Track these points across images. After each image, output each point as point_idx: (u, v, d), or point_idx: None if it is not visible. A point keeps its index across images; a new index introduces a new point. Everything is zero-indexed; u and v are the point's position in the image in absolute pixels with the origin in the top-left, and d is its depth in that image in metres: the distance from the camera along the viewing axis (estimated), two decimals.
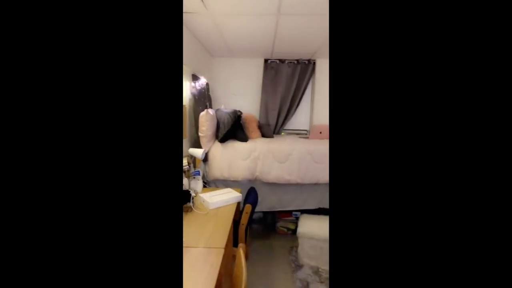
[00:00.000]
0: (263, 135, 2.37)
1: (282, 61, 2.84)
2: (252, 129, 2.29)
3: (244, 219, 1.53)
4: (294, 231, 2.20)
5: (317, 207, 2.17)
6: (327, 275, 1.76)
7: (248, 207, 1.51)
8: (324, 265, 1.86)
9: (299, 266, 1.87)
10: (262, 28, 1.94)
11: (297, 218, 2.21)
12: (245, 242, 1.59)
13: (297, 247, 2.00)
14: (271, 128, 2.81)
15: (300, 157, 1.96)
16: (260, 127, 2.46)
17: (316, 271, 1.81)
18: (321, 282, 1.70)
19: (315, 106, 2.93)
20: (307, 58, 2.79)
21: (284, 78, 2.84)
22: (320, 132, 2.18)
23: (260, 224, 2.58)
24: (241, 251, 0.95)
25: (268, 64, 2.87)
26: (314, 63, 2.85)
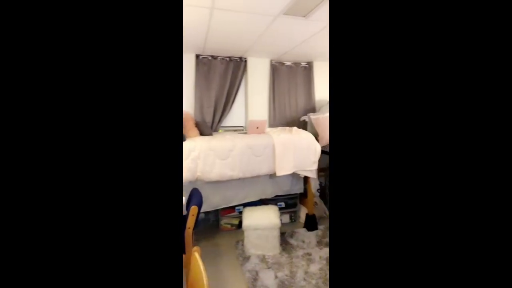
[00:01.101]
0: (201, 133, 2.29)
1: (214, 57, 2.80)
2: (189, 127, 2.17)
3: (191, 222, 1.45)
4: (239, 226, 2.25)
5: (258, 198, 2.28)
6: (273, 260, 1.89)
7: (194, 209, 1.44)
8: (269, 251, 1.98)
9: (247, 258, 1.93)
10: (194, 21, 1.86)
11: (240, 213, 2.26)
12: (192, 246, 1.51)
13: (242, 240, 2.05)
14: (208, 125, 2.75)
15: (241, 152, 2.01)
16: (197, 125, 2.36)
17: (263, 259, 1.91)
18: (268, 268, 1.81)
19: (249, 103, 3.03)
20: (239, 55, 2.85)
21: (218, 75, 2.81)
22: (257, 127, 2.29)
23: (203, 224, 2.50)
24: (196, 255, 0.90)
25: (200, 60, 2.77)
26: (246, 61, 2.94)
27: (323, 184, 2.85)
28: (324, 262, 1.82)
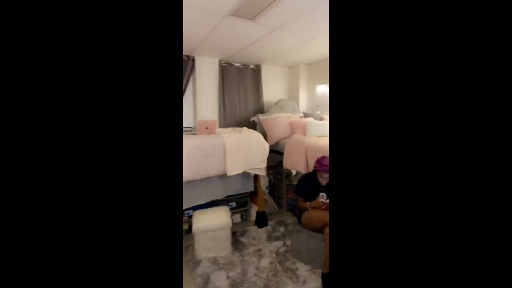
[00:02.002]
0: None
1: None
2: None
3: None
4: (189, 230, 2.15)
5: (209, 200, 2.23)
6: (225, 261, 1.88)
7: None
8: (221, 252, 1.96)
9: (197, 263, 1.87)
10: None
11: (190, 217, 2.17)
12: None
13: (192, 245, 1.97)
14: None
15: (190, 153, 1.93)
16: None
17: (214, 261, 1.88)
18: (220, 269, 1.79)
19: (198, 103, 2.95)
20: (186, 54, 2.74)
21: None
22: (207, 128, 2.24)
23: None
24: None
25: None
26: (194, 60, 2.85)
27: (272, 181, 2.98)
28: (274, 255, 1.90)
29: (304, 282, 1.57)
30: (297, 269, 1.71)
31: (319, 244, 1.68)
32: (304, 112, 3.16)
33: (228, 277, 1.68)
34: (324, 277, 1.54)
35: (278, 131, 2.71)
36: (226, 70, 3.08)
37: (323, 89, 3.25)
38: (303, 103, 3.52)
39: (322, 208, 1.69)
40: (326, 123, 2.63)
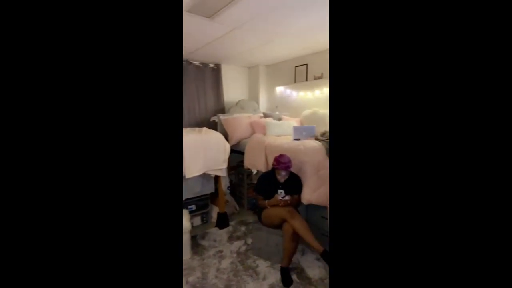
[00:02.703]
0: None
1: None
2: None
3: None
4: None
5: None
6: (184, 266, 1.80)
7: None
8: None
9: None
10: None
11: None
12: None
13: None
14: None
15: None
16: None
17: None
18: None
19: None
20: None
21: None
22: None
23: None
24: None
25: None
26: None
27: (233, 181, 2.97)
28: (235, 255, 1.90)
29: (264, 278, 1.60)
30: (257, 266, 1.74)
31: (278, 240, 1.73)
32: (264, 112, 3.23)
33: (187, 282, 1.62)
34: (282, 270, 1.60)
35: (239, 131, 2.71)
36: (184, 68, 2.96)
37: (282, 90, 3.38)
38: (263, 104, 3.60)
39: (280, 205, 1.75)
40: (285, 123, 2.74)
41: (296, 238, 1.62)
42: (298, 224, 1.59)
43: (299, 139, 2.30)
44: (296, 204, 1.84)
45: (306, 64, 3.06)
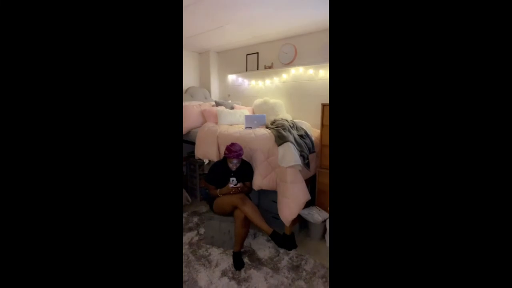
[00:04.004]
0: None
1: None
2: None
3: None
4: None
5: None
6: None
7: None
8: None
9: None
10: None
11: None
12: None
13: None
14: None
15: None
16: None
17: None
18: None
19: None
20: None
21: None
22: None
23: None
24: None
25: None
26: None
27: (185, 173, 2.87)
28: (187, 246, 1.87)
29: (216, 265, 1.63)
30: (210, 254, 1.75)
31: (230, 227, 1.77)
32: (216, 101, 3.16)
33: None
34: (235, 255, 1.65)
35: (189, 120, 2.60)
36: None
37: (234, 79, 3.34)
38: (215, 92, 3.51)
39: (232, 192, 1.78)
40: (237, 111, 2.74)
41: (247, 223, 1.68)
42: (249, 209, 1.65)
43: (250, 127, 2.34)
44: (247, 190, 1.89)
45: (257, 53, 3.08)
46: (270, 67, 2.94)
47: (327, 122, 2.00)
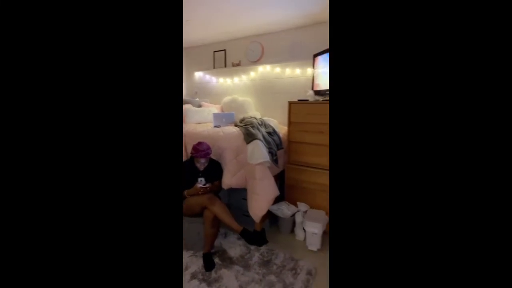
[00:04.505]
0: None
1: None
2: None
3: None
4: None
5: None
6: None
7: None
8: None
9: None
10: None
11: None
12: None
13: None
14: None
15: None
16: None
17: None
18: None
19: None
20: None
21: None
22: None
23: None
24: None
25: None
26: None
27: None
28: None
29: (186, 268, 1.58)
30: None
31: (200, 228, 1.72)
32: (183, 99, 3.05)
33: None
34: (205, 256, 1.62)
35: None
36: None
37: (201, 76, 3.26)
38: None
39: (200, 193, 1.73)
40: (205, 109, 2.67)
41: (217, 223, 1.65)
42: (218, 209, 1.62)
43: (219, 126, 2.31)
44: (217, 190, 1.86)
45: (225, 50, 3.04)
46: (238, 65, 2.92)
47: (294, 119, 2.06)
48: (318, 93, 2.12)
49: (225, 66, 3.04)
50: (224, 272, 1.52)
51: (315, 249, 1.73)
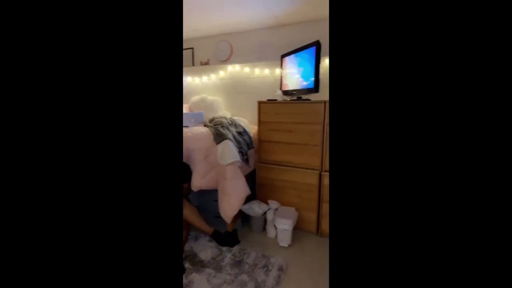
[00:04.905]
0: None
1: None
2: None
3: None
4: None
5: None
6: None
7: None
8: None
9: None
10: None
11: None
12: None
13: None
14: None
15: None
16: None
17: None
18: None
19: None
20: None
21: None
22: None
23: None
24: None
25: None
26: None
27: None
28: None
29: None
30: None
31: None
32: None
33: None
34: None
35: None
36: None
37: None
38: None
39: None
40: None
41: (187, 226, 1.60)
42: (187, 212, 1.58)
43: (187, 126, 2.23)
44: (186, 192, 1.80)
45: (192, 48, 2.95)
46: (206, 63, 2.86)
47: (264, 118, 2.09)
48: (286, 93, 2.18)
49: (193, 65, 2.96)
50: (195, 276, 1.48)
51: (286, 245, 1.77)
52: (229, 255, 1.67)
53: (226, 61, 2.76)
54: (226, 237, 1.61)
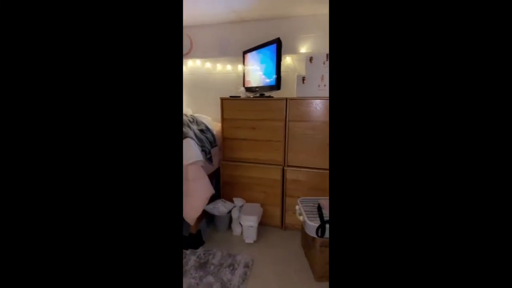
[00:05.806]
0: None
1: None
2: None
3: None
4: None
5: None
6: None
7: None
8: None
9: None
10: None
11: None
12: None
13: None
14: None
15: None
16: None
17: None
18: None
19: None
20: None
21: None
22: None
23: None
24: None
25: None
26: None
27: None
28: None
29: None
30: None
31: None
32: None
33: None
34: None
35: None
36: None
37: None
38: None
39: None
40: None
41: None
42: None
43: None
44: None
45: None
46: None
47: (227, 115, 2.05)
48: (249, 89, 2.17)
49: None
50: None
51: (251, 241, 1.78)
52: (193, 258, 1.61)
53: (186, 55, 2.62)
54: (189, 239, 1.55)
